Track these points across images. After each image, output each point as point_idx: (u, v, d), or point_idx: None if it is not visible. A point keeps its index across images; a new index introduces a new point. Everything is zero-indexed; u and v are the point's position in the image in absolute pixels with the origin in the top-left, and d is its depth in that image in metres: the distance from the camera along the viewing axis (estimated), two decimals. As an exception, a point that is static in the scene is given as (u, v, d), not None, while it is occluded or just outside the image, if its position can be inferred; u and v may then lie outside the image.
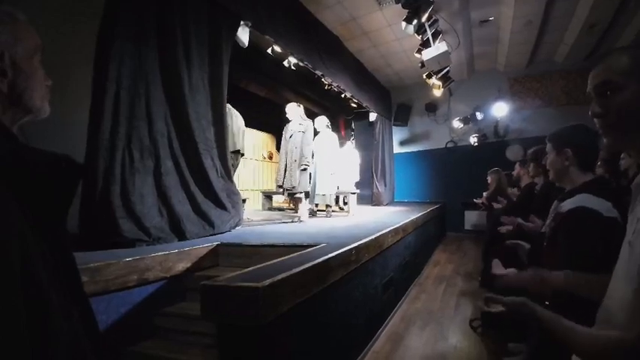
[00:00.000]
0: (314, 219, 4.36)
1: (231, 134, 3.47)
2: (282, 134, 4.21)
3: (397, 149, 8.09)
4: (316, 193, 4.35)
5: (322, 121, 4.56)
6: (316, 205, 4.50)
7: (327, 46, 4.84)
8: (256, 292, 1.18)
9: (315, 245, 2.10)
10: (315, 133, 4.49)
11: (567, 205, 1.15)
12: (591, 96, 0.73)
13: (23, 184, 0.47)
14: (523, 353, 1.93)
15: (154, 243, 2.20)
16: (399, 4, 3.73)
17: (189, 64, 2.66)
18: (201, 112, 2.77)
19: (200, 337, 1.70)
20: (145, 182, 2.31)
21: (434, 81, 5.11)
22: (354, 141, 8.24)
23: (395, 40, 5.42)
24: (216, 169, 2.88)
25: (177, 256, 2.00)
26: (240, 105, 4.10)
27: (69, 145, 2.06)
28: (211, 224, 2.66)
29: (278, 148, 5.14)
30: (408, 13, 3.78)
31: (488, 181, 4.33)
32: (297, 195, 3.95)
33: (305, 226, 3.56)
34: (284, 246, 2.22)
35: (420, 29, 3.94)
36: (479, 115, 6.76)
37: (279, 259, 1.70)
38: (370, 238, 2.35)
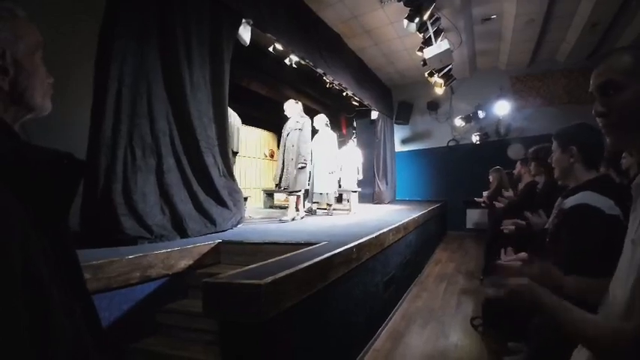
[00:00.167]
0: (315, 217, 4.37)
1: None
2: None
3: (399, 148, 8.08)
4: (314, 191, 4.33)
5: (321, 120, 4.53)
6: (316, 203, 4.48)
7: (328, 44, 4.83)
8: (258, 289, 1.19)
9: (317, 243, 2.11)
10: (315, 131, 4.49)
11: (570, 202, 1.17)
12: (594, 95, 0.73)
13: (25, 181, 0.47)
14: (523, 352, 1.93)
15: (155, 240, 2.21)
16: (401, 2, 3.72)
17: (190, 62, 2.66)
18: (202, 111, 2.77)
19: (202, 334, 1.71)
20: (147, 180, 2.32)
21: (436, 79, 5.09)
22: (355, 139, 8.24)
23: (396, 38, 5.40)
24: (218, 167, 2.88)
25: (180, 253, 2.01)
26: (241, 103, 4.10)
27: (70, 144, 2.06)
28: (213, 222, 2.67)
29: (279, 147, 5.12)
30: (410, 11, 3.77)
31: (490, 180, 4.33)
32: (295, 193, 3.87)
33: (306, 224, 3.56)
34: (285, 244, 2.22)
35: (421, 27, 3.93)
36: (481, 114, 6.75)
37: (280, 257, 1.70)
38: (371, 236, 2.35)
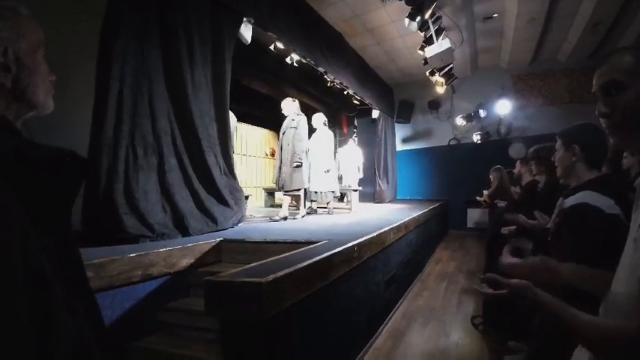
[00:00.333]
0: (316, 216, 4.37)
1: None
2: (283, 131, 4.19)
3: (399, 146, 8.07)
4: (311, 190, 4.32)
5: (319, 119, 4.51)
6: (314, 202, 4.47)
7: (329, 42, 4.82)
8: (259, 287, 1.19)
9: (318, 242, 2.11)
10: (313, 130, 4.47)
11: (570, 201, 1.17)
12: (597, 96, 0.73)
13: (25, 180, 0.47)
14: (524, 352, 1.93)
15: (157, 239, 2.22)
16: (402, 1, 3.71)
17: (191, 61, 2.66)
18: (204, 110, 2.78)
19: (203, 332, 1.71)
20: (149, 179, 2.33)
21: (437, 78, 5.08)
22: (356, 138, 8.23)
23: (398, 37, 5.39)
24: (219, 166, 2.89)
25: (181, 252, 2.02)
26: (242, 102, 4.09)
27: (71, 143, 2.06)
28: (214, 221, 2.68)
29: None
30: (412, 9, 3.76)
31: (491, 179, 4.32)
32: (292, 193, 3.82)
33: (307, 223, 3.57)
34: (286, 242, 2.23)
35: (423, 26, 3.91)
36: (482, 113, 6.73)
37: (281, 255, 1.71)
38: (372, 235, 2.35)
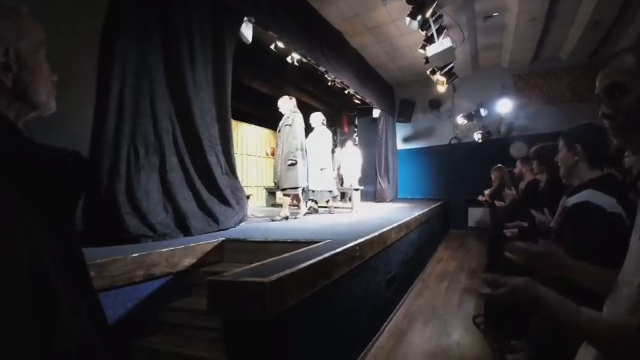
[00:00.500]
0: (317, 215, 4.37)
1: None
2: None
3: (400, 146, 8.07)
4: (309, 189, 4.29)
5: (318, 118, 4.48)
6: (314, 202, 4.46)
7: (330, 42, 4.82)
8: (262, 287, 1.20)
9: (320, 241, 2.11)
10: (311, 129, 4.46)
11: (573, 200, 1.19)
12: (600, 98, 0.73)
13: (28, 179, 0.47)
14: (525, 351, 1.94)
15: (159, 239, 2.22)
16: (403, 0, 3.70)
17: (193, 61, 2.66)
18: (205, 109, 2.78)
19: (206, 332, 1.72)
20: (150, 179, 2.33)
21: (438, 77, 5.07)
22: (357, 137, 8.23)
23: (399, 36, 5.38)
24: (221, 166, 2.89)
25: (183, 251, 2.02)
26: (243, 101, 4.09)
27: (72, 143, 2.07)
28: (216, 220, 2.68)
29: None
30: (413, 8, 3.75)
31: (492, 178, 4.31)
32: (291, 191, 3.78)
33: (308, 222, 3.57)
34: (288, 242, 2.23)
35: (424, 25, 3.91)
36: (483, 112, 6.72)
37: (284, 255, 1.71)
38: (374, 234, 2.36)
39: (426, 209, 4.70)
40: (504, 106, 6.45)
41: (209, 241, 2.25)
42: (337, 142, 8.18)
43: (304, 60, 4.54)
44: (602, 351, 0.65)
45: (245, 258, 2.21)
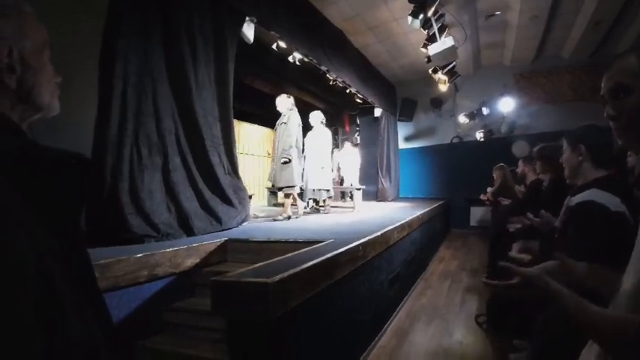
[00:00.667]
0: (317, 215, 4.37)
1: None
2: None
3: (402, 145, 8.06)
4: (308, 188, 4.27)
5: (317, 117, 4.46)
6: (315, 201, 4.44)
7: (331, 41, 4.81)
8: (266, 287, 1.20)
9: (322, 241, 2.11)
10: (310, 128, 4.45)
11: (577, 199, 1.19)
12: (605, 99, 0.73)
13: (30, 180, 0.47)
14: (528, 350, 1.93)
15: (162, 239, 2.23)
16: (405, -1, 3.70)
17: (195, 61, 2.66)
18: (207, 109, 2.78)
19: (209, 332, 1.72)
20: (154, 179, 2.33)
21: (440, 76, 5.05)
22: (358, 137, 8.23)
23: (401, 35, 5.37)
24: (223, 166, 2.90)
25: (186, 252, 2.03)
26: (245, 101, 4.08)
27: (75, 144, 2.08)
28: (218, 220, 2.69)
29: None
30: (414, 7, 3.74)
31: (494, 177, 4.31)
32: (286, 190, 3.76)
33: (311, 222, 3.57)
34: (291, 242, 2.23)
35: (426, 23, 3.89)
36: (485, 111, 6.70)
37: (287, 255, 1.71)
38: (377, 234, 2.36)
39: (428, 208, 4.70)
40: (506, 105, 6.43)
41: (212, 241, 2.26)
42: (338, 142, 8.18)
43: (306, 59, 4.53)
44: (605, 346, 0.65)
45: (248, 258, 2.22)
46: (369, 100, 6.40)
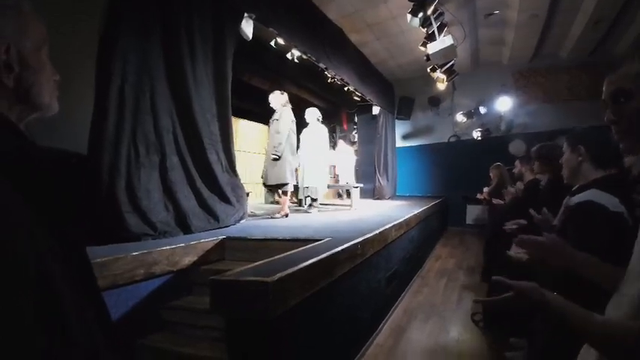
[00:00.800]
0: (317, 213, 4.36)
1: None
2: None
3: (399, 143, 8.06)
4: (303, 185, 4.27)
5: (313, 114, 4.42)
6: (313, 198, 4.41)
7: (330, 38, 4.79)
8: (266, 286, 1.20)
9: (321, 239, 2.12)
10: (306, 125, 4.43)
11: (576, 199, 1.20)
12: (606, 103, 0.75)
13: (30, 180, 0.46)
14: (525, 349, 1.96)
15: (159, 237, 2.22)
16: (405, -4, 3.69)
17: (193, 58, 2.63)
18: (205, 106, 2.76)
19: (208, 330, 1.72)
20: (151, 177, 2.32)
21: (438, 74, 5.06)
22: (356, 134, 8.22)
23: (399, 33, 5.35)
24: (221, 164, 2.88)
25: (184, 250, 2.02)
26: (243, 99, 4.04)
27: (73, 143, 2.06)
28: (216, 218, 2.68)
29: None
30: (414, 5, 3.73)
31: (491, 177, 4.33)
32: (280, 188, 3.75)
33: (309, 220, 3.57)
34: (289, 240, 2.23)
35: (425, 22, 3.88)
36: (482, 110, 6.72)
37: (286, 253, 1.71)
38: (375, 232, 2.36)
39: (425, 207, 4.72)
40: (504, 104, 6.45)
41: (210, 239, 2.25)
42: (336, 140, 8.17)
43: (304, 57, 4.51)
44: (606, 354, 0.66)
45: (246, 256, 2.22)
46: (367, 98, 6.39)
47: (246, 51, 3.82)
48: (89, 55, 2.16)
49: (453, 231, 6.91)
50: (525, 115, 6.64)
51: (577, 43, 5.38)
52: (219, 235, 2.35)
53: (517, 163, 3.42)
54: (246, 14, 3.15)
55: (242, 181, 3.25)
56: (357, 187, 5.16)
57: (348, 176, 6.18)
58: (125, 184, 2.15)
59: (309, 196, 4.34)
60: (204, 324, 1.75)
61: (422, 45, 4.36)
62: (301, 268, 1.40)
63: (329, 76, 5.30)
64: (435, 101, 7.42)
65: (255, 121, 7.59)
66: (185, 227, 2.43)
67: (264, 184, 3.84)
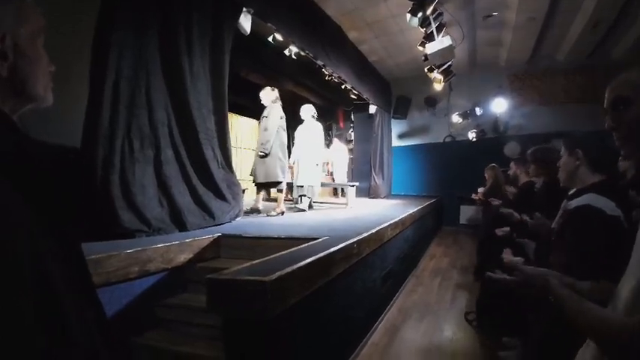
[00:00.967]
0: (313, 211, 4.36)
1: None
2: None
3: (395, 142, 8.09)
4: (297, 184, 4.25)
5: (308, 110, 4.38)
6: (304, 196, 4.37)
7: (329, 36, 4.76)
8: (264, 285, 1.18)
9: (318, 238, 2.11)
10: (301, 121, 4.40)
11: (575, 203, 1.21)
12: (606, 110, 0.77)
13: (30, 180, 0.46)
14: (517, 347, 1.98)
15: (153, 234, 2.19)
16: (404, -4, 3.68)
17: (190, 52, 2.59)
18: (202, 101, 2.72)
19: (203, 329, 1.70)
20: (146, 172, 2.28)
21: (435, 75, 5.06)
22: (352, 133, 8.22)
23: (398, 32, 5.34)
24: (217, 160, 2.85)
25: (179, 247, 1.99)
26: (240, 94, 3.99)
27: (69, 139, 2.02)
28: (211, 215, 2.65)
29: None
30: (414, 5, 3.72)
31: (486, 178, 4.37)
32: (279, 186, 3.72)
33: (305, 218, 3.56)
34: (286, 238, 2.22)
35: (424, 22, 3.88)
36: (478, 111, 6.77)
37: (283, 252, 1.70)
38: (372, 231, 2.37)
39: (420, 206, 4.74)
40: (499, 106, 6.50)
41: (205, 236, 2.22)
42: (332, 138, 8.16)
43: (302, 53, 4.47)
44: (603, 347, 0.67)
45: (242, 254, 2.20)
46: (364, 97, 6.39)
47: (244, 46, 3.78)
48: (89, 53, 2.11)
49: (447, 230, 6.98)
50: (520, 117, 6.71)
51: (575, 45, 5.42)
52: (214, 233, 2.33)
53: (512, 164, 3.46)
54: (244, 9, 3.11)
55: (238, 178, 3.23)
56: (353, 186, 5.16)
57: (341, 174, 6.17)
58: (119, 179, 2.11)
59: (303, 195, 4.29)
60: (200, 322, 1.73)
61: (420, 45, 4.36)
62: (299, 268, 1.39)
63: (327, 73, 5.28)
64: (431, 101, 7.45)
65: (251, 117, 7.53)
66: (180, 224, 2.40)
67: (254, 182, 3.80)
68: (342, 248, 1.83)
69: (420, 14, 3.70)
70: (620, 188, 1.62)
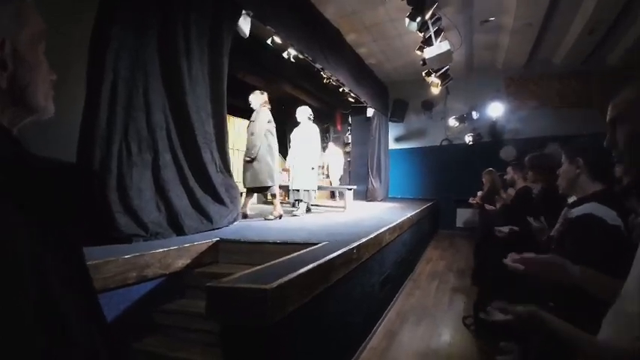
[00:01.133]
0: (311, 215, 4.35)
1: None
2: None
3: (392, 145, 8.12)
4: (293, 188, 4.22)
5: (304, 112, 4.34)
6: (299, 201, 4.30)
7: (328, 39, 4.77)
8: (264, 293, 1.18)
9: (317, 243, 2.10)
10: (297, 124, 4.39)
11: (576, 212, 1.21)
12: (607, 127, 0.79)
13: (27, 191, 0.45)
14: (514, 352, 1.99)
15: (151, 238, 2.16)
16: (404, 0, 3.69)
17: (189, 54, 2.58)
18: (200, 105, 2.70)
19: (201, 334, 1.69)
20: (143, 176, 2.26)
21: (432, 79, 5.10)
22: (349, 136, 8.24)
23: (396, 36, 5.37)
24: (215, 163, 2.83)
25: (177, 252, 1.98)
26: (237, 96, 3.98)
27: (67, 143, 2.00)
28: (209, 219, 2.63)
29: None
30: (412, 9, 3.74)
31: (483, 182, 4.40)
32: (259, 192, 3.70)
33: (303, 222, 3.55)
34: (285, 243, 2.21)
35: (423, 26, 3.91)
36: (475, 115, 6.82)
37: (283, 258, 1.69)
38: (371, 236, 2.37)
39: (419, 210, 4.76)
40: (496, 110, 6.56)
41: (203, 241, 2.21)
42: (328, 141, 8.16)
43: (301, 56, 4.47)
44: None
45: (240, 259, 2.19)
46: (362, 100, 6.41)
47: (242, 48, 3.77)
48: (85, 55, 2.09)
49: (444, 234, 7.00)
50: (517, 121, 6.77)
51: (571, 50, 5.48)
52: (212, 237, 2.31)
53: (509, 169, 3.48)
54: (244, 11, 3.11)
55: (235, 181, 3.21)
56: (350, 189, 5.16)
57: (336, 178, 6.14)
58: (116, 182, 2.09)
59: (299, 200, 4.25)
60: (198, 327, 1.71)
61: (418, 49, 4.39)
62: (300, 275, 1.39)
63: (325, 76, 5.29)
64: (428, 105, 7.49)
65: (248, 119, 7.51)
66: (177, 228, 2.38)
67: (244, 186, 3.77)
68: (341, 254, 1.82)
69: (418, 19, 3.73)
70: (617, 195, 1.64)
